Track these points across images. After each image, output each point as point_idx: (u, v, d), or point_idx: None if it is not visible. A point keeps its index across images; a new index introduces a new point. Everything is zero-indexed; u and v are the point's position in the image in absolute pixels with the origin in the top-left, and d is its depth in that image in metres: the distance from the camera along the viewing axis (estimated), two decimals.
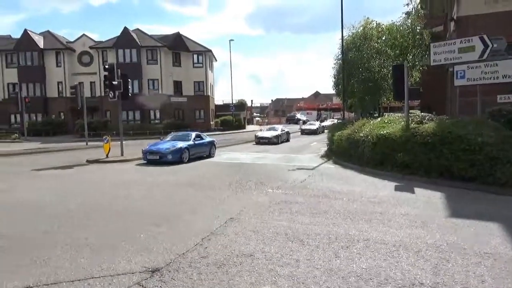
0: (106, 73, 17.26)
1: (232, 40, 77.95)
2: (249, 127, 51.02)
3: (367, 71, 22.95)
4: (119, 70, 17.06)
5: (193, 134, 16.77)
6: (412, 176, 10.09)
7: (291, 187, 9.33)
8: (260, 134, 26.06)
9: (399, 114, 15.64)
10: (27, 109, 33.83)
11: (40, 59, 39.88)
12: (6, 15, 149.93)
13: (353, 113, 40.20)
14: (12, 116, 39.77)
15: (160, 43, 40.23)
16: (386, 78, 22.76)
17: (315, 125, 38.86)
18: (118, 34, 39.69)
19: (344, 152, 14.16)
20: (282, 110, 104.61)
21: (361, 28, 24.05)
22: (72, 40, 42.85)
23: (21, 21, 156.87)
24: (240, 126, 46.50)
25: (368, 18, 24.13)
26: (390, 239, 5.13)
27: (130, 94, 18.52)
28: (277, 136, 25.04)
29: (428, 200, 7.73)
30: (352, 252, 4.65)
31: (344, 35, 22.56)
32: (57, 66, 40.41)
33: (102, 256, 4.58)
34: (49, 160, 16.32)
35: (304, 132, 36.11)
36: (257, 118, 79.30)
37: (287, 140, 26.77)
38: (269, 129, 27.69)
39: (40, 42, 40.16)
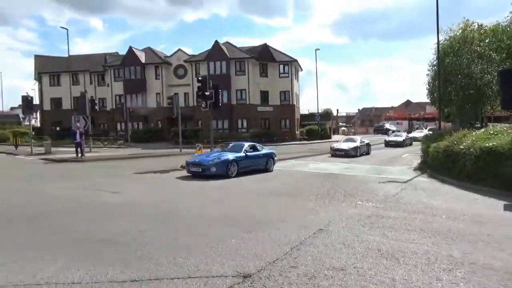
0: (199, 84, 18.32)
1: (318, 49, 77.49)
2: (335, 137, 49.97)
3: (467, 77, 21.12)
4: (210, 81, 18.04)
5: (246, 145, 15.03)
6: None
7: (382, 201, 8.90)
8: (336, 145, 23.83)
9: (507, 125, 14.03)
10: (130, 118, 37.46)
11: (142, 73, 43.96)
12: (116, 35, 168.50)
13: (450, 123, 37.06)
14: (118, 124, 44.35)
15: (248, 55, 41.68)
16: (490, 84, 20.70)
17: (402, 136, 35.18)
18: (209, 47, 42.08)
19: (440, 165, 13.11)
20: (369, 119, 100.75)
21: (460, 31, 22.30)
22: (169, 54, 46.52)
23: (127, 39, 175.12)
24: (325, 135, 45.87)
25: (467, 20, 22.28)
26: (501, 265, 4.58)
27: (220, 104, 19.42)
28: (355, 148, 22.85)
29: None
30: (456, 276, 4.24)
31: (439, 39, 21.03)
32: (156, 78, 44.15)
33: (198, 257, 4.82)
34: (149, 164, 17.79)
35: (388, 144, 32.70)
36: (343, 128, 77.41)
37: (367, 153, 24.46)
38: (347, 140, 25.16)
39: (142, 57, 44.30)
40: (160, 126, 43.24)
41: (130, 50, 44.11)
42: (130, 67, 43.84)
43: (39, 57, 52.95)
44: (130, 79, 43.64)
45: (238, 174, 13.38)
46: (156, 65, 44.16)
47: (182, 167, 16.44)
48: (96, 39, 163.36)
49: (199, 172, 13.08)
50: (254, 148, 15.15)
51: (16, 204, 8.49)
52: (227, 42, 44.30)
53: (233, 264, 4.59)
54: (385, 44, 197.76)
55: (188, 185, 11.75)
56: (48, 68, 49.17)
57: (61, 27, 75.98)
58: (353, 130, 73.52)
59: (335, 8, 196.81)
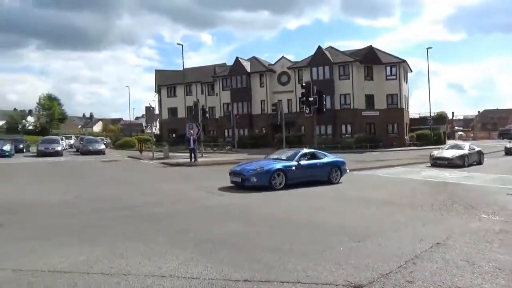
0: (303, 90, 18.47)
1: (430, 47, 71.71)
2: (450, 142, 45.55)
3: None
4: (314, 87, 18.05)
5: (300, 153, 13.08)
6: None
7: None
8: (437, 153, 20.55)
9: None
10: (237, 125, 39.45)
11: (248, 81, 45.99)
12: (223, 47, 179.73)
13: None
14: (226, 131, 47.04)
15: (351, 58, 40.59)
16: None
17: None
18: (312, 53, 42.07)
19: None
20: (492, 123, 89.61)
21: None
22: (272, 62, 47.84)
23: (233, 50, 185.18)
24: (439, 141, 42.00)
25: None
26: None
27: (324, 110, 19.27)
28: (461, 157, 19.37)
29: None
30: None
31: None
32: (260, 86, 45.77)
33: (306, 263, 4.82)
34: None
35: (510, 152, 27.45)
36: (460, 133, 70.24)
37: (479, 163, 20.59)
38: (452, 147, 21.77)
39: (248, 67, 46.35)
40: (264, 132, 44.57)
41: (237, 60, 46.51)
42: (237, 77, 46.21)
43: (159, 72, 59.20)
44: (236, 88, 46.00)
45: (288, 186, 11.73)
46: (261, 73, 45.76)
47: None
48: (206, 52, 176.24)
49: (239, 183, 11.87)
50: (313, 156, 13.29)
51: (151, 202, 9.56)
52: (330, 47, 43.80)
53: (343, 273, 4.48)
54: (509, 37, 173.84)
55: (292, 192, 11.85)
56: (166, 81, 54.58)
57: (177, 44, 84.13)
58: (472, 135, 66.26)
59: (449, 2, 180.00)
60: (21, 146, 34.82)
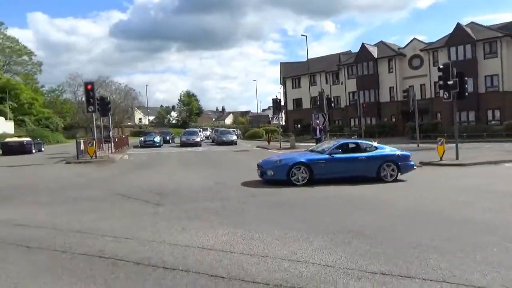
0: (440, 73, 16.71)
1: None
2: None
3: None
4: (454, 69, 16.17)
5: (337, 144, 11.58)
6: None
7: None
8: None
9: None
10: (363, 114, 37.95)
11: (375, 68, 43.75)
12: (347, 34, 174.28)
13: None
14: (352, 120, 45.75)
15: (500, 33, 35.05)
16: None
17: None
18: (448, 32, 37.70)
19: None
20: None
21: None
22: (402, 46, 44.46)
23: (358, 37, 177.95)
24: None
25: None
26: None
27: (466, 93, 17.13)
28: None
29: None
30: None
31: None
32: (389, 72, 43.07)
33: (452, 261, 4.41)
34: None
35: None
36: None
37: None
38: None
39: (375, 52, 44.03)
40: (394, 120, 42.00)
41: (363, 46, 44.61)
42: (363, 63, 44.39)
43: (284, 64, 60.76)
44: (363, 75, 44.24)
45: (316, 182, 10.58)
46: (390, 58, 43.05)
47: (422, 163, 15.45)
48: (330, 40, 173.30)
49: (260, 176, 11.40)
50: (355, 149, 11.67)
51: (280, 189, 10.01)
52: (472, 22, 38.67)
53: (497, 276, 3.98)
54: None
55: (432, 183, 10.92)
56: (291, 73, 55.68)
57: (301, 35, 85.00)
58: None
59: None
60: (168, 137, 40.19)
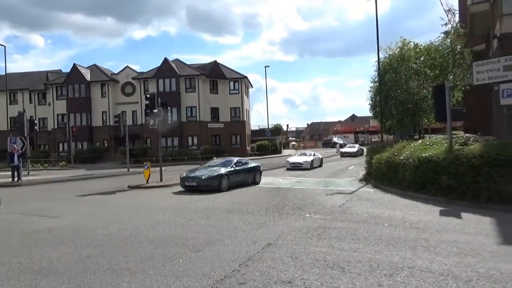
0: (147, 102, 17.97)
1: (268, 66, 79.51)
2: (285, 152, 50.91)
3: (406, 92, 22.51)
4: (159, 99, 17.75)
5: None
6: (458, 200, 9.61)
7: (329, 212, 9.13)
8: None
9: (441, 136, 15.06)
10: (74, 138, 35.71)
11: (87, 91, 42.33)
12: (59, 52, 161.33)
13: (392, 135, 39.36)
14: (60, 145, 42.08)
15: (198, 72, 41.64)
16: (426, 99, 22.18)
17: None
18: (159, 64, 41.55)
19: (383, 176, 13.76)
20: (318, 134, 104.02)
21: (398, 49, 23.80)
22: (116, 72, 45.27)
23: (72, 56, 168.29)
24: (276, 150, 46.57)
25: (405, 39, 23.88)
26: (437, 268, 4.85)
27: (169, 122, 19.11)
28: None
29: (477, 226, 7.28)
30: (396, 281, 4.43)
31: (380, 57, 22.37)
32: (102, 96, 42.67)
33: (143, 280, 4.63)
34: (94, 186, 16.96)
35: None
36: (293, 143, 79.09)
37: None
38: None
39: (87, 75, 42.71)
40: (106, 145, 41.63)
41: (74, 67, 42.45)
42: (74, 85, 42.14)
43: None
44: (74, 97, 41.90)
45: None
46: (103, 83, 42.79)
47: (129, 187, 15.93)
48: (38, 56, 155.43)
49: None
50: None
51: None
52: (177, 59, 44.03)
53: (179, 285, 4.46)
54: (331, 61, 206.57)
55: (135, 204, 11.33)
56: None
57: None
58: (302, 144, 75.42)
59: (283, 27, 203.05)
60: None
